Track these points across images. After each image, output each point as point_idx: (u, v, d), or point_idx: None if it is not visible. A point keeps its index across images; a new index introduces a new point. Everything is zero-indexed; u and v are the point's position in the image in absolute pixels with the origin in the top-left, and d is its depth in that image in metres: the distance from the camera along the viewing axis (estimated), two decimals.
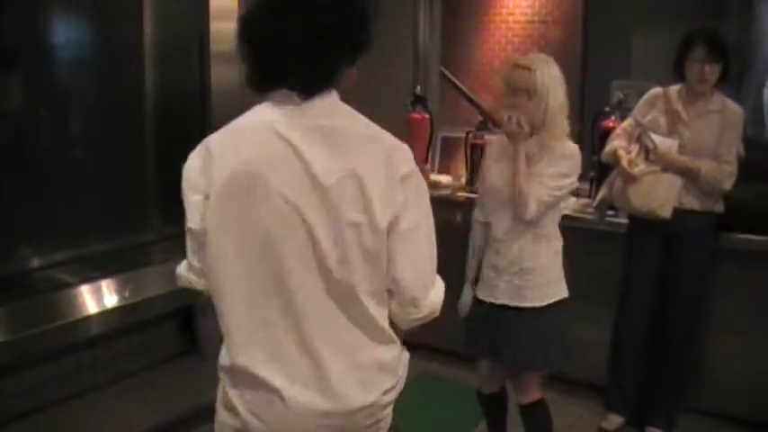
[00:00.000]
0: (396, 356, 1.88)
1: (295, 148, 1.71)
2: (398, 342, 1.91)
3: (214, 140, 1.75)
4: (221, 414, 1.86)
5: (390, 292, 1.83)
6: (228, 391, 1.82)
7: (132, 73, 4.38)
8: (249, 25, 1.77)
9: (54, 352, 3.64)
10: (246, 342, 1.76)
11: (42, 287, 3.68)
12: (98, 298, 3.63)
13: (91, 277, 3.71)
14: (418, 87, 4.86)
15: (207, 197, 1.72)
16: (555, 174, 2.99)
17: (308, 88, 1.76)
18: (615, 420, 3.94)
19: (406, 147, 1.82)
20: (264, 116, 1.76)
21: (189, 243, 1.80)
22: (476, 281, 3.22)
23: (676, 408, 3.85)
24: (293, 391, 1.75)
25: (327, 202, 1.71)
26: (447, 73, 5.39)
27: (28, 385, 3.65)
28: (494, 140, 3.36)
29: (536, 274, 3.06)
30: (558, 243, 3.09)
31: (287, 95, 1.75)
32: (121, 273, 3.78)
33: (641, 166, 3.63)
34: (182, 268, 1.87)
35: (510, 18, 5.95)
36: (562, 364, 3.15)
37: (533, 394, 3.17)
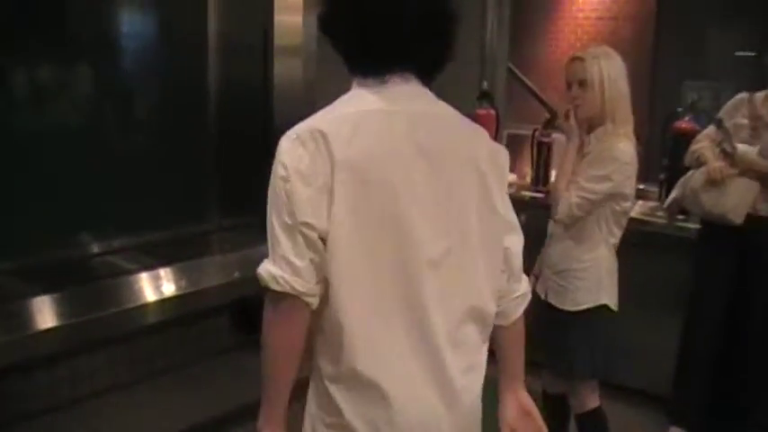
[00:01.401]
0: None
1: (414, 137, 1.67)
2: None
3: (324, 125, 1.65)
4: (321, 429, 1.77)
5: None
6: (337, 399, 1.72)
7: (196, 65, 4.40)
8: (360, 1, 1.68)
9: (108, 339, 3.68)
10: (367, 346, 1.68)
11: (100, 273, 3.72)
12: (155, 286, 3.66)
13: (147, 265, 3.74)
14: (485, 83, 4.84)
15: (322, 189, 1.62)
16: (592, 176, 2.93)
17: (429, 72, 1.75)
18: None
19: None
20: (374, 104, 1.69)
21: (288, 240, 1.64)
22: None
23: (747, 424, 3.74)
24: (413, 395, 1.71)
25: (450, 192, 1.70)
26: (515, 69, 5.35)
27: (81, 371, 3.70)
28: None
29: (575, 278, 3.03)
30: (604, 250, 3.01)
31: (389, 82, 1.70)
32: (178, 262, 3.81)
33: (721, 165, 3.55)
34: (275, 269, 1.67)
35: (580, 14, 5.88)
36: (603, 374, 3.09)
37: (585, 403, 3.12)
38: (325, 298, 1.69)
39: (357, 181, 1.62)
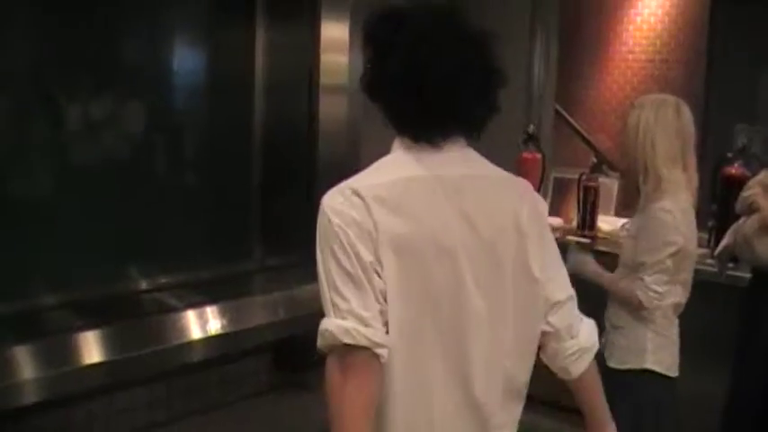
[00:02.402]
0: None
1: (457, 202, 1.68)
2: None
3: (367, 191, 1.62)
4: None
5: (545, 335, 1.84)
6: None
7: (242, 102, 4.49)
8: (414, 61, 1.65)
9: (152, 376, 3.74)
10: (411, 409, 1.68)
11: (146, 309, 3.79)
12: (199, 324, 3.71)
13: (192, 303, 3.79)
14: (531, 126, 4.81)
15: (369, 233, 1.60)
16: (653, 248, 2.88)
17: (478, 131, 1.75)
18: None
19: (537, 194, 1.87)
20: (418, 170, 1.68)
21: (354, 291, 1.59)
22: None
23: None
24: None
25: (494, 259, 1.70)
26: (562, 111, 5.34)
27: (123, 406, 3.75)
28: None
29: (619, 335, 2.98)
30: (645, 312, 2.93)
31: (438, 146, 1.71)
32: (222, 301, 3.86)
33: None
34: (344, 322, 1.59)
35: (630, 56, 5.88)
36: None
37: None
38: None
39: (399, 250, 1.61)
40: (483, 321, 1.69)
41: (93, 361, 3.27)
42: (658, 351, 2.95)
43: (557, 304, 1.83)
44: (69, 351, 3.25)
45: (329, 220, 1.62)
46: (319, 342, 1.63)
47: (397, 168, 1.69)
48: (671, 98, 2.99)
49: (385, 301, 1.61)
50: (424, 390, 1.68)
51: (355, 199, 1.61)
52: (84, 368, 3.24)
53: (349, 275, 1.59)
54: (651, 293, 2.87)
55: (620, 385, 2.83)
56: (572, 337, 1.87)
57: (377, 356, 1.58)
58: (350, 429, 1.57)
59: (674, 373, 2.99)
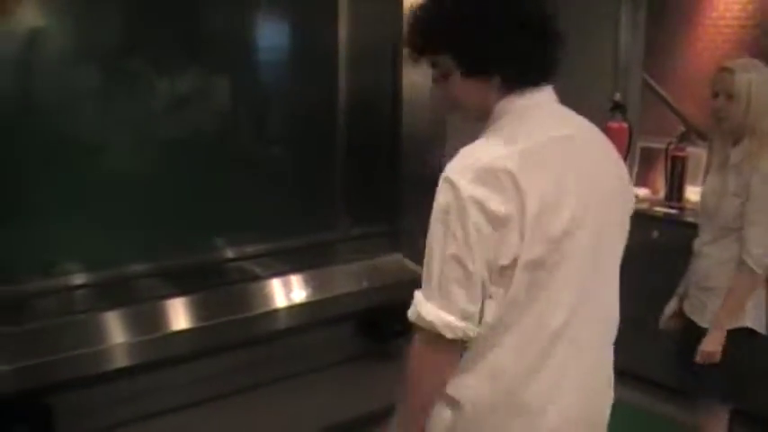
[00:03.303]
0: None
1: (592, 160, 1.71)
2: None
3: (510, 162, 1.58)
4: None
5: None
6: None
7: (326, 74, 4.47)
8: (524, 8, 1.66)
9: (239, 342, 3.78)
10: (527, 378, 1.68)
11: (233, 278, 3.83)
12: (285, 292, 3.73)
13: (278, 272, 3.82)
14: (617, 94, 4.72)
15: (509, 227, 1.57)
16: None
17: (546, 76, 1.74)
18: None
19: None
20: (552, 129, 1.68)
21: (464, 286, 1.59)
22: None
23: None
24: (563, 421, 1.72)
25: (616, 213, 1.74)
26: (650, 80, 5.20)
27: (210, 372, 3.81)
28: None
29: (716, 296, 2.91)
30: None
31: (545, 95, 1.72)
32: (308, 270, 3.87)
33: None
34: (448, 316, 1.61)
35: (720, 22, 5.66)
36: (734, 402, 3.00)
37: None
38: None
39: (543, 212, 1.59)
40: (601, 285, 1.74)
41: (180, 327, 3.33)
42: (754, 310, 2.94)
43: None
44: (157, 318, 3.31)
45: (464, 207, 1.57)
46: (414, 317, 1.64)
47: (530, 132, 1.66)
48: (758, 61, 3.02)
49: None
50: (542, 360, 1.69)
51: (502, 176, 1.57)
52: (170, 335, 3.29)
53: (466, 270, 1.57)
54: (765, 260, 2.85)
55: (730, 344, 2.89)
56: None
57: (464, 343, 1.65)
58: (420, 398, 1.72)
59: (765, 330, 2.99)
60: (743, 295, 2.88)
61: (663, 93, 5.24)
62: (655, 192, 4.71)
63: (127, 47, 3.64)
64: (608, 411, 1.85)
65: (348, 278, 3.98)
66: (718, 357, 2.85)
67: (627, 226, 1.79)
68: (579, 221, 1.62)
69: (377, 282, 3.94)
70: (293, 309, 3.71)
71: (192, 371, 3.71)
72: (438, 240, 1.59)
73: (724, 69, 2.97)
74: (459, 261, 1.57)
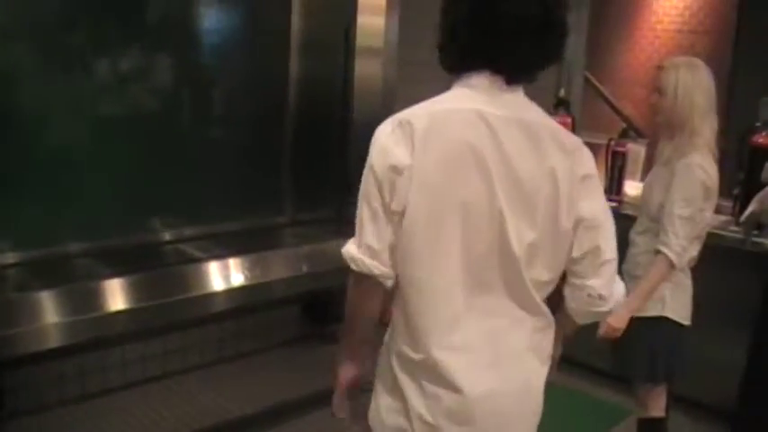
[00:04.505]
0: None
1: (499, 140, 1.69)
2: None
3: (414, 118, 1.69)
4: (384, 395, 1.86)
5: (575, 287, 1.84)
6: (402, 382, 1.80)
7: (278, 60, 4.43)
8: (474, 6, 1.70)
9: (177, 324, 3.73)
10: (442, 333, 1.74)
11: (172, 260, 3.77)
12: (224, 275, 3.68)
13: (219, 255, 3.76)
14: (562, 90, 4.76)
15: (404, 173, 1.66)
16: (688, 200, 2.88)
17: (521, 73, 1.75)
18: None
19: (586, 148, 1.81)
20: (467, 103, 1.71)
21: (371, 223, 1.71)
22: None
23: None
24: (475, 381, 1.75)
25: (523, 198, 1.71)
26: (591, 78, 5.26)
27: (149, 354, 3.76)
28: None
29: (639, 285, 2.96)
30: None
31: (487, 81, 1.72)
32: (250, 253, 3.82)
33: None
34: (356, 252, 1.75)
35: (658, 26, 5.75)
36: (661, 382, 3.06)
37: (647, 409, 3.09)
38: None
39: (435, 170, 1.67)
40: (497, 252, 1.73)
41: (117, 308, 3.25)
42: (673, 301, 2.97)
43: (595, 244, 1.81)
44: (93, 298, 3.22)
45: (370, 158, 1.71)
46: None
47: (442, 103, 1.74)
48: (699, 60, 3.01)
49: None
50: (455, 317, 1.74)
51: (403, 127, 1.68)
52: (106, 315, 3.21)
53: (373, 210, 1.71)
54: (679, 249, 2.89)
55: (637, 332, 2.93)
56: (602, 300, 1.84)
57: (381, 283, 1.76)
58: (353, 324, 1.87)
59: (687, 321, 3.01)
60: (655, 283, 2.92)
61: (604, 91, 5.30)
62: None
63: (69, 24, 3.55)
64: (530, 378, 1.85)
65: (292, 261, 3.94)
66: (618, 334, 2.90)
67: (543, 216, 1.74)
68: (473, 191, 1.68)
69: (321, 266, 3.90)
70: (233, 291, 3.65)
71: (125, 352, 3.67)
72: (362, 183, 1.73)
73: (659, 67, 3.05)
74: (368, 201, 1.71)
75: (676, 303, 2.98)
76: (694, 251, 2.98)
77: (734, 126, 4.71)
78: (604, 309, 1.85)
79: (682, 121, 2.91)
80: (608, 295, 1.83)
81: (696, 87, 2.91)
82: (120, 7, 3.68)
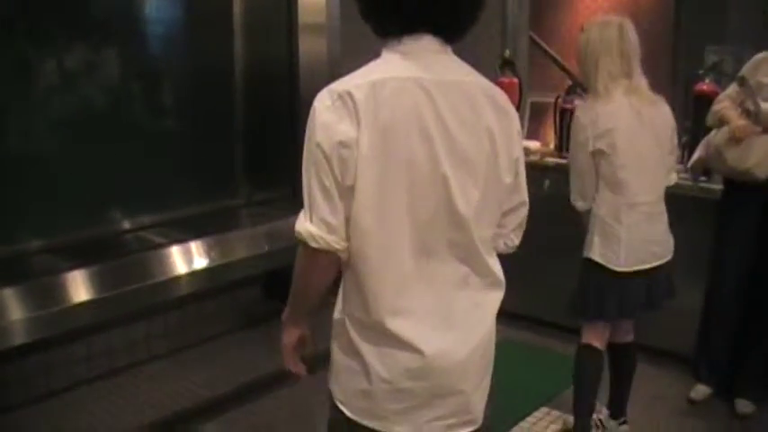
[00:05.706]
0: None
1: (437, 105, 1.68)
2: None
3: (354, 88, 1.65)
4: (343, 360, 1.84)
5: (495, 235, 1.87)
6: (359, 344, 1.78)
7: (221, 42, 4.36)
8: None
9: (141, 313, 3.69)
10: (393, 297, 1.73)
11: (132, 248, 3.72)
12: (186, 260, 3.65)
13: (178, 239, 3.72)
14: (507, 51, 4.73)
15: (351, 147, 1.64)
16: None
17: (456, 33, 1.75)
18: (703, 391, 3.74)
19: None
20: (403, 71, 1.69)
21: (326, 200, 1.68)
22: None
23: None
24: (428, 342, 1.75)
25: (466, 159, 1.71)
26: (536, 38, 5.22)
27: (116, 344, 3.71)
28: None
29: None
30: (595, 207, 3.04)
31: (420, 44, 1.72)
32: (208, 236, 3.79)
33: (744, 124, 3.42)
34: (313, 228, 1.71)
35: None
36: (579, 315, 3.17)
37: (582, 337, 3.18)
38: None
39: (380, 141, 1.65)
40: (444, 213, 1.72)
41: (83, 299, 3.20)
42: (600, 246, 3.04)
43: (520, 207, 1.89)
44: (56, 291, 3.18)
45: (312, 128, 1.67)
46: (295, 235, 1.74)
47: (382, 69, 1.71)
48: (615, 19, 3.04)
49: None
50: (404, 284, 1.74)
51: (337, 97, 1.65)
52: (71, 307, 3.17)
53: (323, 185, 1.67)
54: (573, 195, 3.06)
55: (581, 270, 3.10)
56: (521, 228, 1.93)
57: (338, 257, 1.73)
58: (304, 295, 1.85)
59: (618, 268, 3.02)
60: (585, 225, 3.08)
61: (549, 50, 5.27)
62: (545, 144, 4.73)
63: (7, 23, 3.46)
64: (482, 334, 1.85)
65: (251, 241, 3.91)
66: None
67: (485, 175, 1.75)
68: (417, 158, 1.67)
69: (280, 244, 3.87)
70: (196, 274, 3.62)
71: (99, 342, 3.61)
72: (306, 160, 1.68)
73: (581, 29, 3.10)
74: (318, 178, 1.67)
75: (605, 249, 3.03)
76: (623, 198, 3.02)
77: (680, 76, 4.72)
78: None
79: (587, 81, 3.01)
80: (518, 243, 1.92)
81: (602, 48, 2.95)
82: (61, 1, 3.59)
